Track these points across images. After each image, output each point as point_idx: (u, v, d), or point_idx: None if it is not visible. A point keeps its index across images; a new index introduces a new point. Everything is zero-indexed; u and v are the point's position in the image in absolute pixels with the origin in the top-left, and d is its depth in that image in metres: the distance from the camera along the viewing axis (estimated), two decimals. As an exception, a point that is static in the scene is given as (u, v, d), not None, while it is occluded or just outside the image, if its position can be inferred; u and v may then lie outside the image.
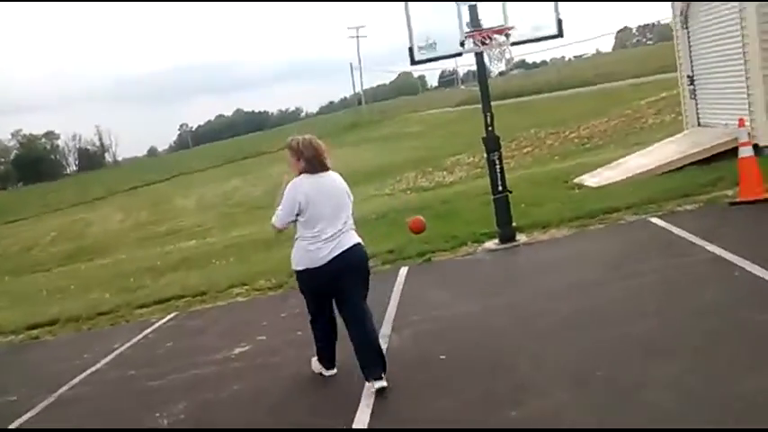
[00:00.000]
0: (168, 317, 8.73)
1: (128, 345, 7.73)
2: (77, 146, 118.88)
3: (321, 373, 5.38)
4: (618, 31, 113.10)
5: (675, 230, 7.47)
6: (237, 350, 6.59)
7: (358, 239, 5.06)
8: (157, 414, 5.33)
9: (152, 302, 9.63)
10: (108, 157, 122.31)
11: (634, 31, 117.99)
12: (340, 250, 4.91)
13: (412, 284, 7.70)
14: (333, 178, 5.10)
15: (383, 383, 4.81)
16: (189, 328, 8.08)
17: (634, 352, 4.64)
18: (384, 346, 5.69)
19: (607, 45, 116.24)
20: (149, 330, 8.21)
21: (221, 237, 19.56)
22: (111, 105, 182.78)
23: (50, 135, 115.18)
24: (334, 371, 5.36)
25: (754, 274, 5.60)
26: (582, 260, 7.40)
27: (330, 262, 4.90)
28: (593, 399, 4.12)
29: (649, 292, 5.80)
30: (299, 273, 5.12)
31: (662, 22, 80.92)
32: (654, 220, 8.19)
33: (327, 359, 5.36)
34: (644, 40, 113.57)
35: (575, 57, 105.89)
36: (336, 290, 5.03)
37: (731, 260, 6.06)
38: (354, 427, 4.31)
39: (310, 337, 5.54)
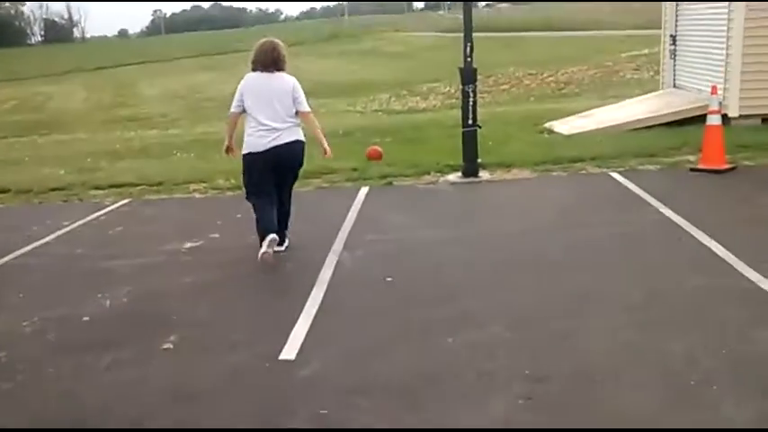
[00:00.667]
0: (122, 201, 8.66)
1: (78, 223, 7.68)
2: (44, 16, 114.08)
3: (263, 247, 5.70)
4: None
5: (633, 188, 7.62)
6: (189, 244, 6.60)
7: (297, 137, 5.82)
8: (100, 294, 5.36)
9: (107, 186, 9.53)
10: (76, 33, 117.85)
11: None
12: (277, 143, 5.70)
13: (370, 205, 7.75)
14: (279, 78, 5.79)
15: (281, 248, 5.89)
16: (142, 215, 8.04)
17: (572, 300, 4.80)
18: (333, 262, 5.80)
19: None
20: (101, 213, 8.15)
21: (185, 130, 19.24)
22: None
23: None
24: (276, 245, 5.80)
25: (699, 240, 5.79)
26: (539, 204, 7.53)
27: (267, 151, 5.70)
28: (527, 338, 4.27)
29: (596, 245, 5.96)
30: (243, 156, 5.85)
31: (658, -22, 79.61)
32: (615, 175, 8.33)
33: (263, 227, 5.85)
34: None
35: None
36: (270, 172, 5.82)
37: (679, 224, 6.24)
38: (289, 341, 4.39)
39: None
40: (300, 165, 6.01)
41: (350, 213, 7.32)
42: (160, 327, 4.72)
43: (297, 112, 5.80)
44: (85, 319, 4.96)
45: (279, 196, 5.99)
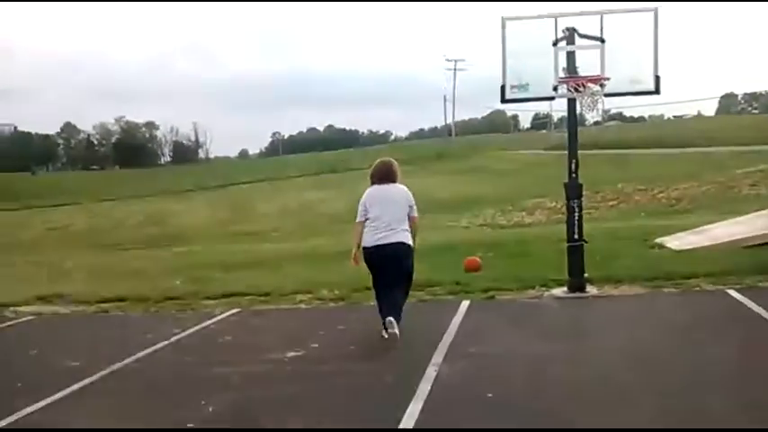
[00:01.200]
0: (231, 311, 8.96)
1: (189, 331, 7.97)
2: (174, 138, 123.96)
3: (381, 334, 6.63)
4: (722, 96, 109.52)
5: (754, 306, 7.16)
6: (291, 354, 6.69)
7: (404, 239, 6.64)
8: (203, 402, 5.48)
9: (219, 295, 9.91)
10: (201, 153, 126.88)
11: (739, 98, 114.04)
12: (385, 241, 6.57)
13: (472, 318, 7.64)
14: (395, 187, 6.83)
15: (396, 328, 6.47)
16: (249, 324, 8.28)
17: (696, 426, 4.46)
18: (432, 375, 5.71)
19: (710, 109, 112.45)
20: (212, 321, 8.45)
21: (296, 244, 19.95)
22: (209, 104, 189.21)
23: (150, 125, 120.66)
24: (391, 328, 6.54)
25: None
26: (650, 323, 7.19)
27: (377, 247, 6.59)
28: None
29: (716, 371, 5.55)
30: (362, 248, 6.75)
31: (768, 92, 78.00)
32: (732, 292, 7.88)
33: (380, 310, 6.74)
34: (749, 108, 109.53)
35: (674, 116, 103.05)
36: (380, 268, 6.68)
37: (808, 346, 5.78)
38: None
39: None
40: (408, 264, 6.73)
41: (451, 326, 7.24)
42: (258, 435, 4.75)
43: (409, 218, 6.68)
44: (189, 425, 5.07)
45: (389, 282, 6.66)
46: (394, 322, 6.48)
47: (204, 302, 9.69)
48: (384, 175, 6.85)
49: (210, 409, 5.32)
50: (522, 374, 5.71)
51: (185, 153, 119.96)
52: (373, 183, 6.84)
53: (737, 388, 5.04)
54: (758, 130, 42.30)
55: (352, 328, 7.69)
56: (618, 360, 5.90)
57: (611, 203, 26.34)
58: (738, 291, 7.91)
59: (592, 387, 5.31)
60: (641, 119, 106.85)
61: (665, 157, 41.60)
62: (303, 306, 9.09)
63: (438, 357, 6.18)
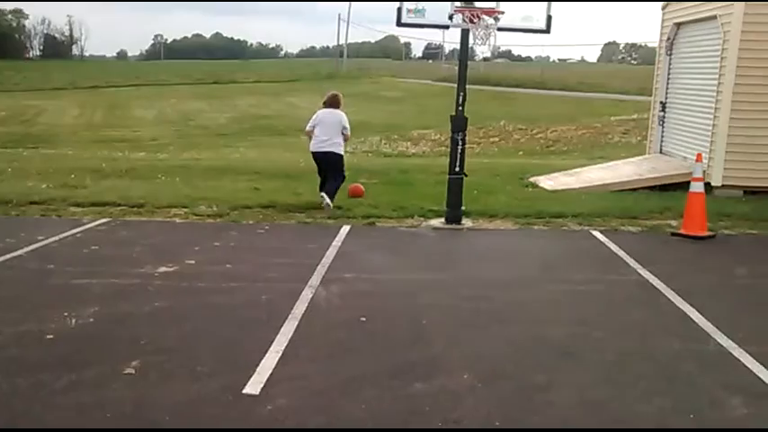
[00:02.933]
0: (101, 220, 8.56)
1: (54, 239, 7.56)
2: (45, 31, 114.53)
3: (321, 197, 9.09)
4: (605, 44, 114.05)
5: (614, 248, 7.65)
6: (162, 269, 6.50)
7: (335, 150, 9.32)
8: (66, 313, 5.24)
9: (88, 203, 9.41)
10: (75, 50, 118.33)
11: (621, 47, 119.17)
12: (324, 149, 9.30)
13: (351, 243, 7.70)
14: (335, 113, 9.45)
15: (328, 201, 9.07)
16: (119, 236, 7.93)
17: (546, 354, 4.75)
18: (308, 297, 5.74)
19: (593, 55, 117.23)
20: (78, 230, 8.03)
21: (174, 155, 19.22)
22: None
23: (18, 13, 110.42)
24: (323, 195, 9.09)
25: (677, 305, 5.79)
26: (519, 256, 7.54)
27: (317, 152, 9.37)
28: (497, 389, 4.21)
29: (574, 301, 5.95)
30: (310, 150, 9.54)
31: (649, 45, 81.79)
32: (596, 233, 8.37)
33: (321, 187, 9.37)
34: (629, 58, 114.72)
35: (559, 59, 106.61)
36: (319, 164, 9.46)
37: (659, 288, 6.24)
38: (257, 372, 4.31)
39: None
40: (337, 165, 9.36)
41: (329, 250, 7.27)
42: (124, 351, 4.61)
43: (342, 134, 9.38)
44: (49, 337, 4.84)
45: (327, 174, 9.38)
46: (326, 196, 9.06)
47: (72, 209, 9.18)
48: (330, 103, 9.49)
49: (73, 322, 5.10)
50: (395, 300, 5.84)
51: (57, 48, 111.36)
52: (324, 106, 9.46)
53: (594, 320, 5.41)
54: (635, 81, 44.38)
55: (229, 246, 7.55)
56: (485, 289, 6.16)
57: (492, 140, 27.09)
58: (602, 232, 8.40)
59: (457, 314, 5.52)
60: (528, 59, 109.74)
61: (547, 99, 43.06)
62: (178, 220, 8.81)
63: (315, 280, 6.21)
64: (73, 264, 6.67)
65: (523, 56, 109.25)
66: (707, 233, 8.24)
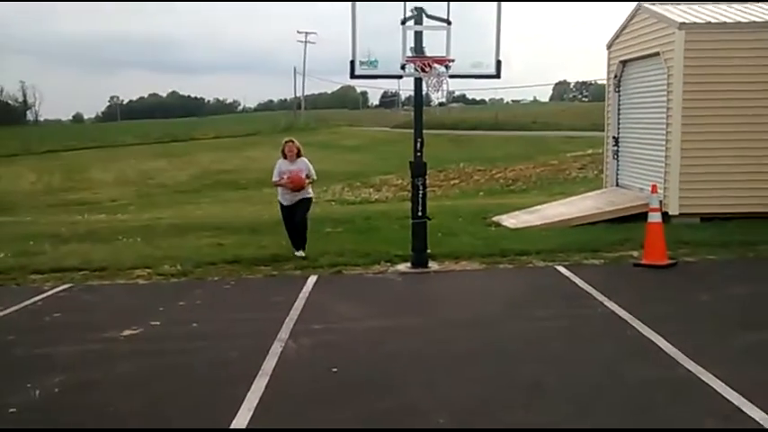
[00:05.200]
0: (62, 286, 8.38)
1: (13, 308, 7.37)
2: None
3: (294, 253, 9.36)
4: (556, 84, 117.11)
5: (579, 282, 7.74)
6: (127, 332, 6.38)
7: (304, 195, 9.51)
8: (29, 384, 5.09)
9: (48, 269, 9.21)
10: (29, 115, 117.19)
11: (572, 86, 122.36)
12: (295, 200, 9.43)
13: (319, 293, 7.66)
14: (300, 161, 9.56)
15: (302, 254, 9.35)
16: (82, 301, 7.78)
17: (518, 393, 4.76)
18: (278, 351, 5.67)
19: (545, 95, 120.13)
20: (39, 298, 7.86)
21: (135, 216, 19.00)
22: (40, 63, 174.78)
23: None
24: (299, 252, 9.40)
25: (644, 334, 5.85)
26: (487, 296, 7.58)
27: (290, 203, 9.50)
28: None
29: (543, 337, 5.98)
30: (279, 202, 9.68)
31: (599, 82, 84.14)
32: (560, 268, 8.47)
33: (293, 244, 9.54)
34: (580, 96, 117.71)
35: (513, 101, 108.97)
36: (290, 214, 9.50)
37: (625, 318, 6.32)
38: (233, 427, 4.23)
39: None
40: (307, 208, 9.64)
41: (297, 301, 7.22)
42: (92, 420, 4.49)
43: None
44: (12, 410, 4.69)
45: (296, 226, 9.52)
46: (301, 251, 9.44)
47: (32, 277, 8.98)
48: (290, 153, 9.55)
49: (37, 393, 4.95)
50: (365, 348, 5.81)
51: (11, 114, 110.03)
52: (283, 157, 9.56)
53: (563, 355, 5.43)
54: (587, 117, 45.52)
55: (194, 304, 7.45)
56: (454, 331, 6.17)
57: (453, 182, 27.39)
58: (566, 267, 8.51)
59: (428, 357, 5.51)
60: (482, 102, 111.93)
61: (503, 140, 43.80)
62: (141, 281, 8.67)
63: (284, 333, 6.15)
64: (35, 332, 6.51)
65: (478, 99, 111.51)
66: (668, 261, 8.40)
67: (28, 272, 9.16)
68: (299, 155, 9.61)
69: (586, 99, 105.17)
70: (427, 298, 7.84)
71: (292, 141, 9.75)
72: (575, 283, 7.75)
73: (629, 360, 5.32)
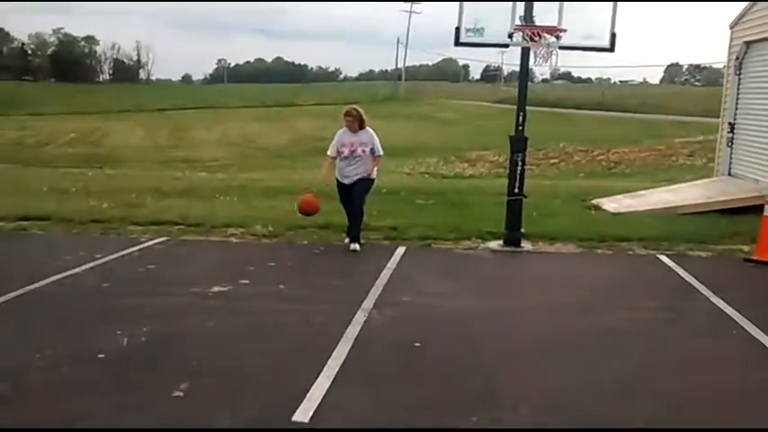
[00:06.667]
0: (159, 239, 8.62)
1: (111, 257, 7.62)
2: (115, 56, 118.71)
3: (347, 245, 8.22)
4: (668, 66, 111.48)
5: (683, 274, 7.27)
6: (216, 288, 6.46)
7: (366, 175, 8.20)
8: (119, 331, 5.22)
9: (147, 222, 9.51)
10: (142, 74, 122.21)
11: (684, 69, 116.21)
12: (355, 177, 8.18)
13: (406, 265, 7.53)
14: (360, 133, 8.24)
15: (357, 247, 8.13)
16: (175, 255, 7.97)
17: (609, 388, 4.48)
18: (361, 320, 5.59)
19: (655, 77, 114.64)
20: (136, 249, 8.10)
21: (233, 175, 19.44)
22: (154, 23, 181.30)
23: (90, 39, 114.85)
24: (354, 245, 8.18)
25: (751, 334, 5.41)
26: (581, 282, 7.22)
27: (350, 182, 8.23)
28: (555, 425, 3.96)
29: (641, 330, 5.62)
30: (337, 180, 8.36)
31: (713, 66, 79.58)
32: (663, 258, 7.98)
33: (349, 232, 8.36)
34: (692, 80, 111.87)
35: (620, 81, 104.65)
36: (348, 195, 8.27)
37: (732, 316, 5.87)
38: (307, 399, 4.17)
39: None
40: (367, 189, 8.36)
41: (384, 272, 7.11)
42: (174, 372, 4.54)
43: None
44: (101, 356, 4.81)
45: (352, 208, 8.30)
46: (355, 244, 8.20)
47: (131, 228, 9.29)
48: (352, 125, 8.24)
49: (125, 341, 5.07)
50: (451, 326, 5.63)
51: (126, 72, 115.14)
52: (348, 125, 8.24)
53: (663, 351, 5.09)
54: (699, 103, 43.18)
55: (283, 266, 7.48)
56: (545, 316, 5.89)
57: (552, 162, 26.59)
58: (670, 257, 8.01)
59: (516, 341, 5.28)
60: (588, 80, 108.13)
61: (608, 120, 42.21)
62: (234, 240, 8.80)
63: (369, 302, 6.05)
64: (128, 283, 6.70)
65: (583, 77, 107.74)
66: (783, 259, 7.76)
67: (128, 222, 9.48)
68: (361, 125, 8.26)
69: (699, 83, 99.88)
70: (518, 279, 7.56)
71: (352, 112, 8.27)
72: (678, 274, 7.27)
73: (733, 362, 4.93)
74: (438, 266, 7.64)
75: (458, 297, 6.45)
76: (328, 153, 8.36)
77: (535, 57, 8.25)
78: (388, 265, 7.38)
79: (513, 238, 8.55)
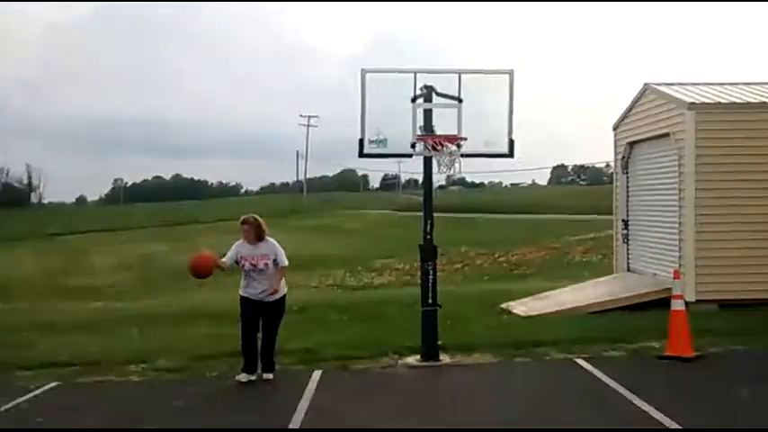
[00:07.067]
0: (50, 385, 7.82)
1: None
2: (3, 179, 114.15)
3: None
4: (554, 167, 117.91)
5: (603, 378, 7.22)
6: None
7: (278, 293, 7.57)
8: None
9: (37, 364, 8.67)
10: (33, 198, 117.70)
11: (569, 169, 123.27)
12: (267, 295, 7.52)
13: (324, 394, 7.08)
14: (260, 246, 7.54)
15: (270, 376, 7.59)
16: (70, 403, 7.20)
17: None
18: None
19: (542, 179, 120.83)
20: (23, 399, 7.28)
21: (133, 303, 18.50)
22: (45, 146, 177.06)
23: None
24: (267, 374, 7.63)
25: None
26: (507, 396, 7.06)
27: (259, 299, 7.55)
28: None
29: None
30: (242, 298, 7.74)
31: (595, 166, 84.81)
32: (581, 362, 7.94)
33: (248, 365, 7.60)
34: (578, 179, 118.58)
35: (512, 184, 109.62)
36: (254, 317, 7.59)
37: (662, 421, 5.78)
38: None
39: None
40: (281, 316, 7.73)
41: (301, 404, 6.63)
42: None
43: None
44: None
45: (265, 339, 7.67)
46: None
47: (19, 374, 8.43)
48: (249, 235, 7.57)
49: None
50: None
51: (16, 197, 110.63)
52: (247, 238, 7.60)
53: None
54: (587, 200, 45.55)
55: (191, 406, 6.90)
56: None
57: (455, 266, 26.94)
58: (586, 360, 7.98)
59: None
60: (481, 185, 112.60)
61: (503, 223, 43.63)
62: (135, 378, 8.12)
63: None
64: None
65: (477, 182, 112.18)
66: (694, 353, 7.89)
67: (15, 368, 8.59)
68: (260, 236, 7.51)
69: (584, 182, 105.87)
70: (442, 397, 7.27)
71: (249, 220, 7.53)
72: (599, 379, 7.20)
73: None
74: (358, 392, 7.28)
75: (382, 425, 6.06)
76: (224, 260, 7.54)
77: (439, 165, 8.37)
78: (304, 396, 6.92)
79: (430, 352, 8.33)
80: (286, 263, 7.57)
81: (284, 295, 7.66)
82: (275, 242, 7.63)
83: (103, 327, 11.60)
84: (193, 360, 8.60)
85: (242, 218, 7.65)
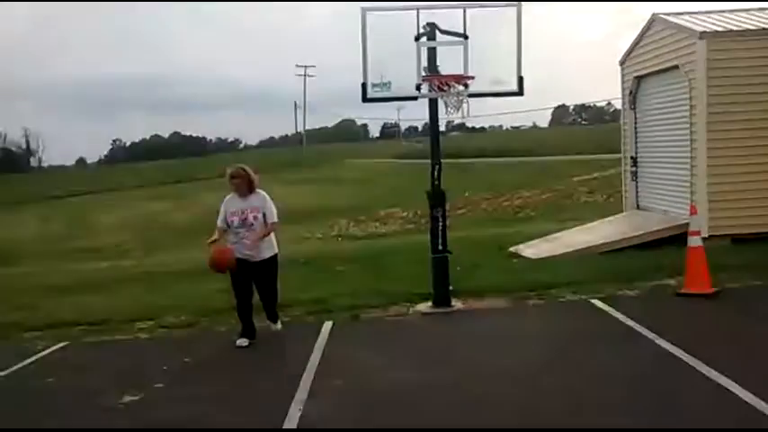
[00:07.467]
0: (57, 345, 7.71)
1: (4, 373, 6.72)
2: (1, 145, 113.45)
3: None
4: (555, 108, 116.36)
5: (620, 317, 7.04)
6: (127, 398, 5.71)
7: (268, 251, 7.09)
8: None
9: (44, 325, 8.57)
10: (33, 162, 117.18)
11: (571, 109, 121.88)
12: (256, 254, 7.01)
13: (336, 343, 6.95)
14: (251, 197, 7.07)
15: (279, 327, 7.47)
16: (77, 363, 7.09)
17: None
18: (296, 415, 5.02)
19: (544, 120, 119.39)
20: (32, 359, 7.19)
21: (138, 261, 18.41)
22: (42, 108, 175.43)
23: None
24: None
25: (711, 378, 5.14)
26: (522, 339, 6.88)
27: (248, 258, 6.99)
28: None
29: (595, 387, 5.28)
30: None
31: (597, 105, 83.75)
32: (596, 302, 7.77)
33: (246, 325, 7.15)
34: (579, 119, 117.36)
35: (512, 127, 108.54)
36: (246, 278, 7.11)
37: (685, 359, 5.61)
38: None
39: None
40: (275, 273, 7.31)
41: (313, 355, 6.51)
42: None
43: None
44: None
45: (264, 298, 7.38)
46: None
47: (26, 335, 8.34)
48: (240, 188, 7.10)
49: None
50: (393, 409, 5.14)
51: (15, 161, 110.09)
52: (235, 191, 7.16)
53: (620, 406, 4.77)
54: (589, 141, 45.12)
55: (201, 361, 6.78)
56: (493, 386, 5.48)
57: (459, 211, 26.77)
58: (602, 300, 7.80)
59: (468, 418, 4.84)
60: (482, 129, 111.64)
61: (506, 166, 43.25)
62: (144, 336, 8.01)
63: (302, 393, 5.47)
64: (21, 404, 5.86)
65: (477, 126, 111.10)
66: (713, 289, 7.70)
67: (23, 329, 8.53)
68: (251, 189, 7.05)
69: (586, 122, 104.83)
70: (456, 343, 7.10)
71: (239, 173, 6.99)
72: (617, 319, 7.03)
73: (702, 410, 4.67)
74: (370, 340, 7.13)
75: (396, 373, 5.93)
76: (218, 225, 7.02)
77: (446, 107, 8.05)
78: (316, 346, 6.80)
79: (442, 297, 8.16)
80: (275, 219, 7.04)
81: (275, 254, 7.12)
82: (266, 195, 7.11)
83: (109, 286, 11.50)
84: (202, 315, 8.47)
85: (230, 171, 7.05)
